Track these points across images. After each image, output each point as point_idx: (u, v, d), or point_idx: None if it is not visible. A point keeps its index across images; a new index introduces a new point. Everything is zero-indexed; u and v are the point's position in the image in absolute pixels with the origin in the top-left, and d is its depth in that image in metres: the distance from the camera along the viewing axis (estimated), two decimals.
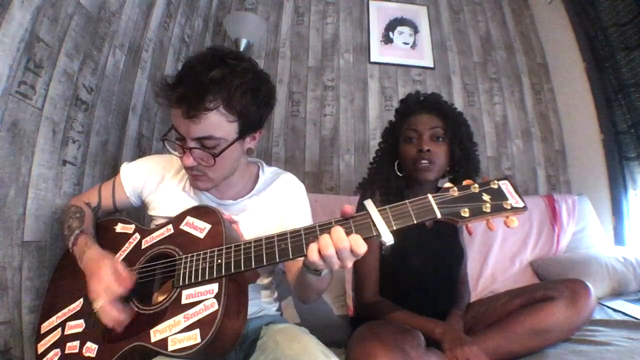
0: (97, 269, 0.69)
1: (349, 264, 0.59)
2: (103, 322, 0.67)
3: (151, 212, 0.90)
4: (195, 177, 0.80)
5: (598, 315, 1.18)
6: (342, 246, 0.57)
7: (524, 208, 0.58)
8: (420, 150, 1.03)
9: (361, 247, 0.57)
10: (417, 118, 1.09)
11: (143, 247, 0.79)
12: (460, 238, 1.18)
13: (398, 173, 1.10)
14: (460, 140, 1.08)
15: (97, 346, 0.69)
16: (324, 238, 0.58)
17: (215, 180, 0.81)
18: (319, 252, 0.58)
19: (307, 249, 0.60)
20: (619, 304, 1.29)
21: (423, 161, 1.03)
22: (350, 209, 0.61)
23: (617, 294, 1.39)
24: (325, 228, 0.61)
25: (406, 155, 1.07)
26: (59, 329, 0.75)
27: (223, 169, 0.80)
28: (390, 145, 1.15)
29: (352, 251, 0.57)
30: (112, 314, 0.66)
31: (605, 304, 1.29)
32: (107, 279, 0.67)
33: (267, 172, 0.94)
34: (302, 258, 0.80)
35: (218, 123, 0.73)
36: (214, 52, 0.76)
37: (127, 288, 0.68)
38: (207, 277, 0.66)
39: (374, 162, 1.18)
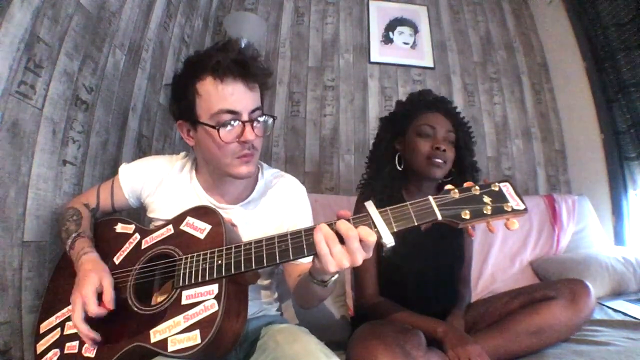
0: (82, 281, 0.68)
1: (359, 258, 0.56)
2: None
3: (150, 214, 0.90)
4: (248, 157, 0.79)
5: (598, 315, 1.18)
6: (351, 234, 0.55)
7: (525, 210, 0.58)
8: (437, 148, 1.02)
9: (371, 235, 0.56)
10: (434, 116, 1.08)
11: (143, 247, 0.79)
12: (463, 239, 1.17)
13: (398, 167, 1.10)
14: (469, 148, 1.09)
15: (96, 346, 0.69)
16: (330, 232, 0.56)
17: (256, 160, 0.84)
18: (327, 245, 0.56)
19: (316, 245, 0.57)
20: (619, 304, 1.29)
21: (438, 159, 1.02)
22: (344, 212, 0.60)
23: (617, 294, 1.39)
24: None
25: (419, 149, 1.05)
26: (59, 329, 0.75)
27: (261, 145, 0.84)
28: (391, 137, 1.14)
29: (361, 241, 0.55)
30: (82, 330, 0.66)
31: (605, 304, 1.29)
32: (87, 296, 0.66)
33: (267, 174, 0.93)
34: (303, 264, 0.80)
35: (258, 95, 0.81)
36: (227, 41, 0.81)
37: (101, 312, 0.67)
38: (207, 278, 0.66)
39: (373, 157, 1.17)
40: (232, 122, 0.75)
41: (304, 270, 0.78)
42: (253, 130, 0.76)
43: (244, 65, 0.75)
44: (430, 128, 1.06)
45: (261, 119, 0.80)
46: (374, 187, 1.08)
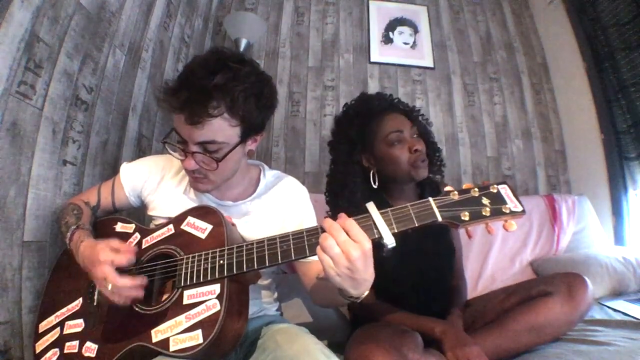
0: (94, 255, 0.68)
1: (353, 252, 0.53)
2: (122, 303, 0.66)
3: (151, 212, 0.90)
4: (196, 179, 0.80)
5: (598, 315, 1.18)
6: (335, 230, 0.55)
7: (522, 212, 0.59)
8: (416, 150, 0.99)
9: (348, 220, 0.55)
10: (393, 119, 1.03)
11: (143, 246, 0.79)
12: (452, 234, 1.16)
13: (373, 185, 1.03)
14: (429, 134, 1.09)
15: (97, 346, 0.69)
16: (323, 235, 0.56)
17: (216, 182, 0.82)
18: (324, 251, 0.55)
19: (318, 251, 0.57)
20: (619, 304, 1.29)
21: (422, 161, 1.00)
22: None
23: (617, 294, 1.39)
24: None
25: (398, 158, 1.00)
26: (58, 329, 0.75)
27: (224, 172, 0.80)
28: (352, 157, 1.05)
29: (346, 232, 0.55)
30: (127, 284, 0.64)
31: (605, 304, 1.29)
32: (108, 257, 0.66)
33: (269, 175, 0.94)
34: (315, 262, 0.79)
35: (221, 128, 0.73)
36: (216, 55, 0.74)
37: (130, 258, 0.68)
38: (209, 278, 0.66)
39: (337, 185, 1.05)
40: (179, 146, 0.77)
41: (319, 270, 0.77)
42: (193, 159, 0.75)
43: (186, 105, 0.70)
44: (396, 134, 1.01)
45: (212, 152, 0.75)
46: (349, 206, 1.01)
